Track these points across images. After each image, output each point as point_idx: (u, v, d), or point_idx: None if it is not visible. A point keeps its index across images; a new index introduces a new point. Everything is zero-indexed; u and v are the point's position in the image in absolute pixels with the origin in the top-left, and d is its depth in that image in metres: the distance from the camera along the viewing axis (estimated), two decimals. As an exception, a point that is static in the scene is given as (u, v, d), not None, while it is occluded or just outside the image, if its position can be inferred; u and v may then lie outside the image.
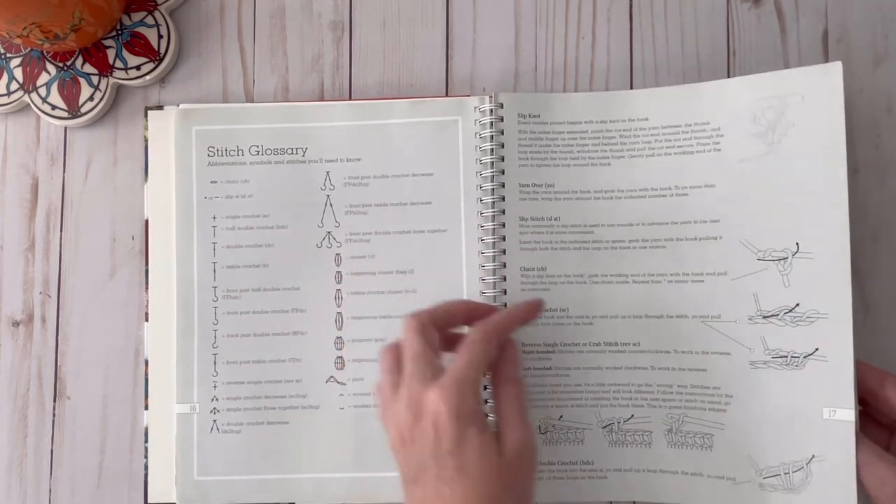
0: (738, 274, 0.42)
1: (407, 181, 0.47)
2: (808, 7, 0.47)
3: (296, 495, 0.45)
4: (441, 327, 0.39)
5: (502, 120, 0.46)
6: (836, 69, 0.41)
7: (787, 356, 0.41)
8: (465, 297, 0.45)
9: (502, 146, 0.46)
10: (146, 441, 0.47)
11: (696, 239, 0.43)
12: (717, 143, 0.43)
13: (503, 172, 0.45)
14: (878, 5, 0.47)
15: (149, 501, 0.46)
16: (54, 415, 0.48)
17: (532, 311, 0.41)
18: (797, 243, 0.41)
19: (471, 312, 0.40)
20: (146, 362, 0.47)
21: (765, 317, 0.41)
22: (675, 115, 0.44)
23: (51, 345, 0.49)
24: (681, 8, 0.48)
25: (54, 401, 0.48)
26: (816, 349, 0.40)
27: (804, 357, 0.40)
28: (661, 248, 0.44)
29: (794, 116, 0.42)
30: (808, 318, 0.40)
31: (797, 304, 0.41)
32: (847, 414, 0.39)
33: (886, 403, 0.40)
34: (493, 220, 0.45)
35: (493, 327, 0.38)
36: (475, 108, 0.46)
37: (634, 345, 0.44)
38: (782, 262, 0.41)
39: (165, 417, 0.46)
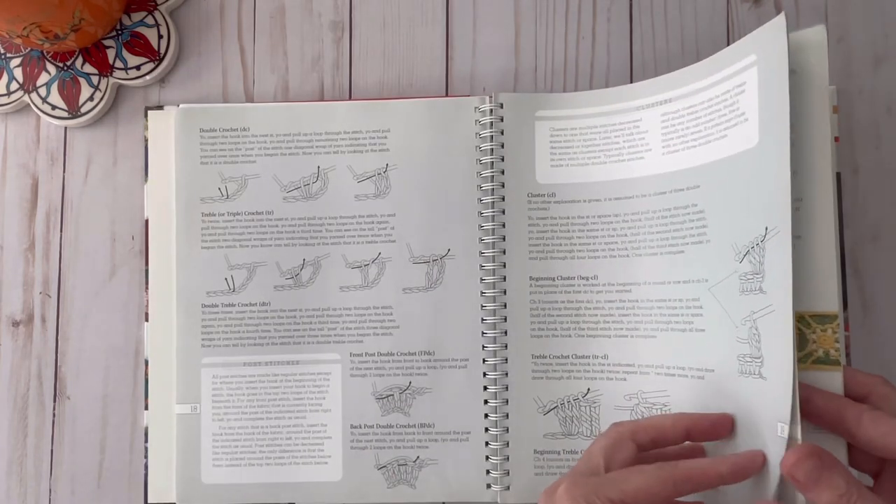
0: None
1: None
2: (808, 7, 0.47)
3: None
4: (646, 443, 0.34)
5: (502, 120, 0.46)
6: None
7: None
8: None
9: (502, 146, 0.46)
10: (146, 441, 0.47)
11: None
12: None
13: (503, 172, 0.45)
14: (878, 5, 0.47)
15: (149, 501, 0.46)
16: (54, 415, 0.48)
17: (716, 426, 0.36)
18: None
19: (688, 428, 0.35)
20: (146, 362, 0.47)
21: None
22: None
23: (51, 345, 0.49)
24: (681, 8, 0.48)
25: (54, 401, 0.48)
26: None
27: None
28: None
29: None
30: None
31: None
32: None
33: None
34: (493, 221, 0.45)
35: (631, 427, 0.34)
36: (475, 108, 0.46)
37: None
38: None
39: (165, 417, 0.46)
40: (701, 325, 0.40)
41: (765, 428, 0.34)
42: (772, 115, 0.35)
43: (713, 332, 0.39)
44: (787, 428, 0.32)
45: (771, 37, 0.35)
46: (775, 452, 0.33)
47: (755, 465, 0.33)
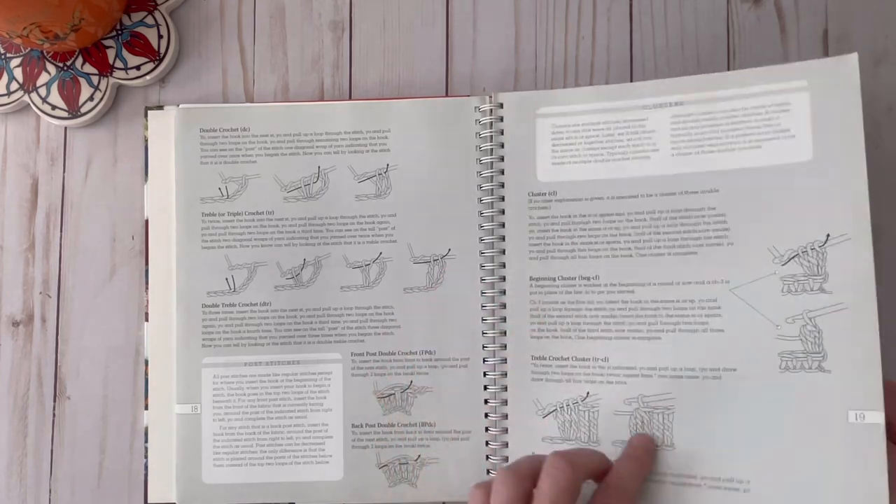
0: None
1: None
2: (808, 7, 0.47)
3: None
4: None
5: (502, 120, 0.46)
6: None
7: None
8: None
9: (502, 146, 0.46)
10: (146, 441, 0.47)
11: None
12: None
13: (503, 173, 0.45)
14: (878, 5, 0.47)
15: (149, 501, 0.46)
16: (54, 415, 0.48)
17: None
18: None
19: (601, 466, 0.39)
20: (146, 362, 0.47)
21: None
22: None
23: (51, 345, 0.49)
24: (681, 8, 0.48)
25: (54, 401, 0.48)
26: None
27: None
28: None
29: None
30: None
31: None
32: (876, 416, 0.37)
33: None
34: (493, 221, 0.45)
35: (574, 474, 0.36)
36: (475, 108, 0.46)
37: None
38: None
39: (165, 417, 0.46)
40: (719, 325, 0.41)
41: (829, 417, 0.38)
42: (834, 135, 0.39)
43: (736, 331, 0.40)
44: (864, 415, 0.37)
45: (832, 68, 0.40)
46: (843, 437, 0.37)
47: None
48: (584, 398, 0.43)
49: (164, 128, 0.48)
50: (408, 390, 0.45)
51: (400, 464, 0.45)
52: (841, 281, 0.39)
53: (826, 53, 0.47)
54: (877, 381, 0.37)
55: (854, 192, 0.39)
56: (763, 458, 0.39)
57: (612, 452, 0.42)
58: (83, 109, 0.49)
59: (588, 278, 0.44)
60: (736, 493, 0.39)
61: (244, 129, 0.47)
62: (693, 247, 0.42)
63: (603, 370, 0.43)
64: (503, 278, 0.45)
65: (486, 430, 0.45)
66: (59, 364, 0.49)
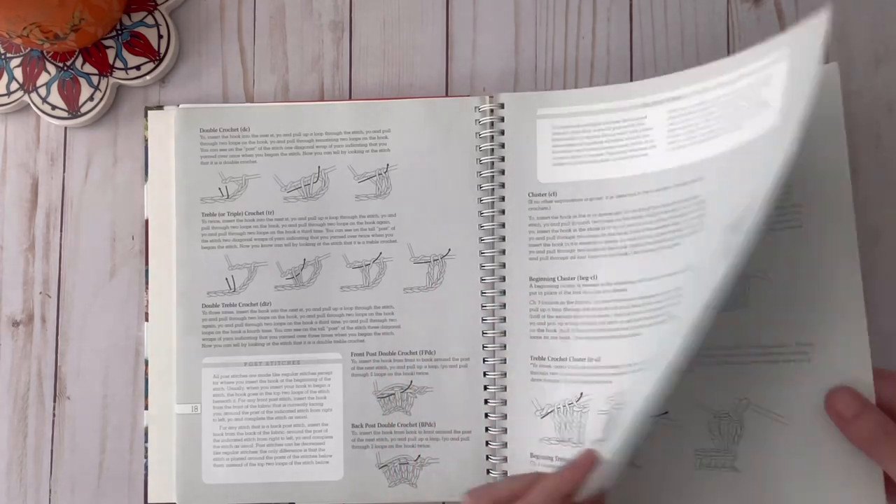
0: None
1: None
2: (808, 7, 0.47)
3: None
4: None
5: (502, 120, 0.46)
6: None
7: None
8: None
9: (503, 146, 0.46)
10: (146, 441, 0.47)
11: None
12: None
13: (503, 173, 0.45)
14: (878, 5, 0.47)
15: (149, 501, 0.46)
16: (54, 415, 0.48)
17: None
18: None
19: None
20: (146, 362, 0.47)
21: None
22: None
23: (51, 345, 0.49)
24: (681, 8, 0.48)
25: (54, 401, 0.48)
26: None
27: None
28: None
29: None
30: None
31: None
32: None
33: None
34: (493, 221, 0.45)
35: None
36: (475, 107, 0.46)
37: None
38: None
39: (165, 417, 0.46)
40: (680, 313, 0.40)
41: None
42: (790, 99, 0.35)
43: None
44: None
45: (806, 33, 0.35)
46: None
47: (589, 463, 0.36)
48: (578, 399, 0.43)
49: (164, 128, 0.48)
50: (408, 390, 0.45)
51: (400, 464, 0.45)
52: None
53: (826, 54, 0.47)
54: (866, 368, 0.38)
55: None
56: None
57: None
58: (83, 109, 0.49)
59: (586, 278, 0.44)
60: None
61: (244, 129, 0.47)
62: (676, 238, 0.41)
63: (595, 370, 0.42)
64: (503, 278, 0.45)
65: (486, 430, 0.45)
66: (59, 364, 0.49)
